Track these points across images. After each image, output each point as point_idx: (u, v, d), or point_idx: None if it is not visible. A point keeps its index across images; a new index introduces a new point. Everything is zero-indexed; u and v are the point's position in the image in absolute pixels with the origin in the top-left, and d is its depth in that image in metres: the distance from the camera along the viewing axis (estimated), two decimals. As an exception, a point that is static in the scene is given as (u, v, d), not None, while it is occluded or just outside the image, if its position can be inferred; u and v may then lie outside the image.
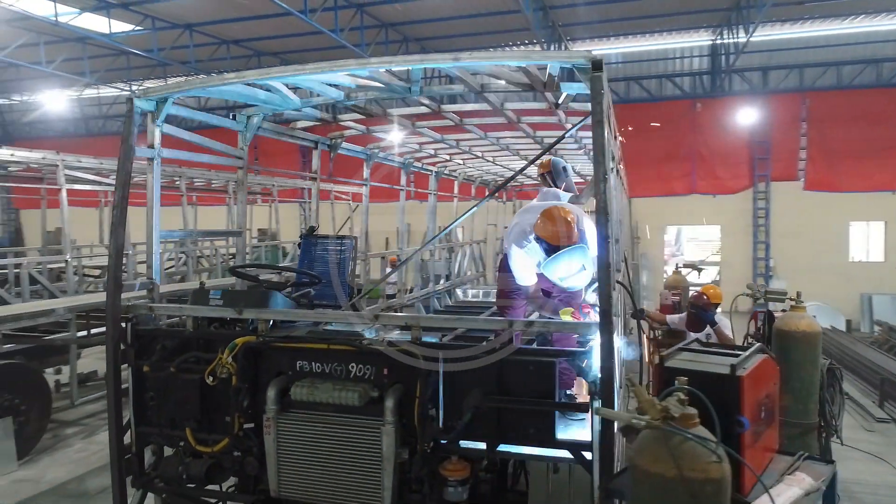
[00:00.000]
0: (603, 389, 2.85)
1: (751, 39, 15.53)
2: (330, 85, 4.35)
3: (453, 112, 5.73)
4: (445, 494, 3.15)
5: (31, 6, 12.74)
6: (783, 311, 4.95)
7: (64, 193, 9.92)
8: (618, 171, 5.59)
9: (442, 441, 3.27)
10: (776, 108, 19.14)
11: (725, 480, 1.97)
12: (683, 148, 20.09)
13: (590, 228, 4.34)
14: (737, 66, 19.10)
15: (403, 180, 8.86)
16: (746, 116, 19.05)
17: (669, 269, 12.05)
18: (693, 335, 6.74)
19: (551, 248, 4.09)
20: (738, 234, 19.93)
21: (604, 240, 2.98)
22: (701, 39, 19.61)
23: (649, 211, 20.48)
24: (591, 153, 5.83)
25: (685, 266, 10.11)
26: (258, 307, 3.73)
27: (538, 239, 4.20)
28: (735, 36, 17.12)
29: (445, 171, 10.51)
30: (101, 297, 8.71)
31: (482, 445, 3.19)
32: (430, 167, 9.80)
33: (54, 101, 22.72)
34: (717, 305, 6.78)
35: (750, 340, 5.92)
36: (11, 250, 14.35)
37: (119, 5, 14.01)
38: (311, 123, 5.73)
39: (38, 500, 6.54)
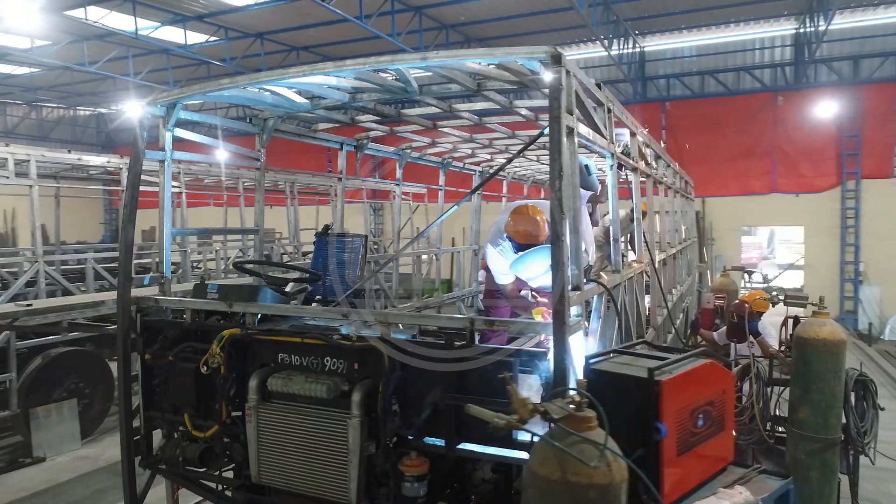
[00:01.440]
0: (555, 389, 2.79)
1: (839, 26, 14.44)
2: (331, 87, 4.49)
3: (470, 111, 5.73)
4: (402, 489, 3.18)
5: (115, 22, 13.83)
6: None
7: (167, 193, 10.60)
8: (637, 169, 5.40)
9: (409, 437, 3.30)
10: (868, 99, 17.67)
11: (613, 487, 1.89)
12: (763, 144, 18.96)
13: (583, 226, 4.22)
14: (823, 56, 17.83)
15: (442, 180, 8.93)
16: (834, 109, 17.72)
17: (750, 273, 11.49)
18: (736, 345, 6.38)
19: (521, 247, 4.02)
20: (824, 235, 18.55)
21: (557, 238, 2.91)
22: (783, 28, 18.44)
23: (725, 211, 19.50)
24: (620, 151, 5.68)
25: (734, 269, 9.54)
26: (247, 302, 3.91)
27: (509, 237, 4.14)
28: (821, 23, 15.98)
29: (490, 171, 10.48)
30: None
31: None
32: (473, 167, 9.80)
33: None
34: (761, 314, 6.38)
35: (783, 349, 5.55)
36: (106, 246, 15.59)
37: (194, 18, 14.94)
38: (332, 125, 5.89)
39: (94, 476, 7.11)
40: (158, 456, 4.20)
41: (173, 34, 15.39)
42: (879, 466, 4.76)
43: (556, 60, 3.00)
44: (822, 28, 14.88)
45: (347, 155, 6.61)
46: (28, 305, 6.13)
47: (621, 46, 17.17)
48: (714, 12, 16.73)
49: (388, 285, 9.26)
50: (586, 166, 6.06)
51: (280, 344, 3.71)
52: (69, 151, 8.83)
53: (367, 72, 3.82)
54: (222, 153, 5.01)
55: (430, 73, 3.90)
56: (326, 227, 5.53)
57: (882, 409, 4.68)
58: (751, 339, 6.44)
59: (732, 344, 6.46)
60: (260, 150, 5.25)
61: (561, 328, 2.87)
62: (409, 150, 7.61)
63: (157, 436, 4.32)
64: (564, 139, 2.98)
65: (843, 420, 4.47)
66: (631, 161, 5.43)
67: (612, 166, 4.34)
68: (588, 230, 6.10)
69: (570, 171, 3.27)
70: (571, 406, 1.97)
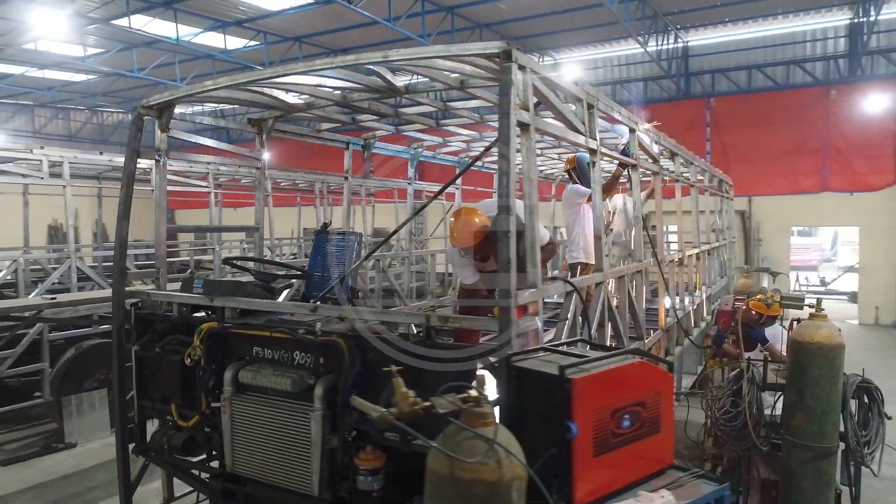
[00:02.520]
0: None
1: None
2: (319, 87, 4.58)
3: (468, 109, 5.73)
4: (357, 483, 3.22)
5: (159, 29, 14.44)
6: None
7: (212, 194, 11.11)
8: (636, 166, 5.27)
9: (368, 431, 3.34)
10: (929, 91, 16.67)
11: (502, 485, 1.87)
12: (814, 140, 18.13)
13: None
14: (880, 47, 16.92)
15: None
16: (890, 102, 16.77)
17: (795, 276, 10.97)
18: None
19: (464, 251, 4.02)
20: (881, 236, 17.57)
21: (504, 237, 2.89)
22: (836, 19, 17.58)
23: (773, 210, 18.74)
24: (619, 149, 5.57)
25: (758, 270, 9.14)
26: (227, 296, 4.03)
27: None
28: (879, 12, 15.14)
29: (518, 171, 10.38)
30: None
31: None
32: (493, 165, 9.76)
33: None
34: (773, 318, 6.12)
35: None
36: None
37: (234, 23, 15.43)
38: (335, 125, 5.99)
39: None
40: (150, 444, 4.38)
41: (214, 39, 15.93)
42: (888, 477, 4.49)
43: (507, 56, 2.98)
44: (879, 17, 14.09)
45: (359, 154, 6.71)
46: (52, 298, 6.49)
47: (660, 42, 16.73)
48: (759, 4, 16.13)
49: (399, 284, 9.32)
50: (590, 164, 5.96)
51: (255, 338, 3.81)
52: (101, 153, 9.28)
53: (341, 70, 3.88)
54: (225, 154, 5.19)
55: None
56: (325, 225, 5.63)
57: (889, 417, 4.42)
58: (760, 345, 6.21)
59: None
60: (260, 149, 5.39)
61: (506, 325, 2.86)
62: (420, 149, 7.65)
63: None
64: (514, 135, 2.96)
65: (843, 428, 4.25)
66: (630, 159, 5.32)
67: (593, 162, 4.26)
68: (589, 227, 6.00)
69: (527, 166, 3.25)
70: (469, 402, 1.96)
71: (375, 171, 6.87)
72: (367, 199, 18.13)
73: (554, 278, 3.81)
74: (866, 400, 4.37)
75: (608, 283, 4.33)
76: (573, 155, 5.85)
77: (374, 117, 5.68)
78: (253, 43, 16.40)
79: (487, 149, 3.94)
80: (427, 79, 4.32)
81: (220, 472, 3.96)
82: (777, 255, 18.76)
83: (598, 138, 4.24)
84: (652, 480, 2.44)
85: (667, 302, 7.57)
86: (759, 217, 18.97)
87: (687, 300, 7.67)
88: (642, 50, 18.42)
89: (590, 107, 4.19)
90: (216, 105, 23.26)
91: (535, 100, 3.50)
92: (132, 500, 4.54)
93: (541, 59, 20.69)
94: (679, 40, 18.56)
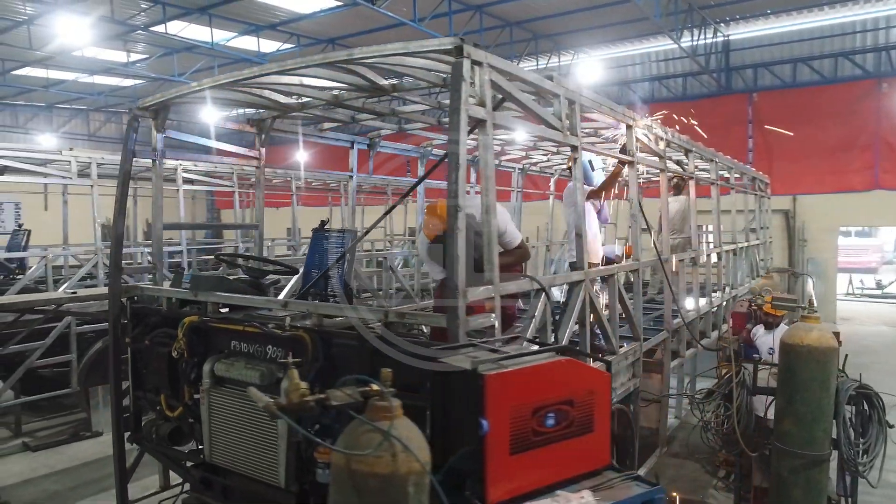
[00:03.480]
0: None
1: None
2: (306, 87, 4.66)
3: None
4: (316, 476, 3.26)
5: (195, 34, 14.92)
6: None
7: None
8: (632, 163, 5.15)
9: (335, 426, 3.38)
10: None
11: (396, 477, 1.87)
12: (864, 136, 17.27)
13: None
14: (938, 36, 16.01)
15: (473, 178, 8.90)
16: (949, 95, 15.85)
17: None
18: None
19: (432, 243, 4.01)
20: (936, 236, 16.62)
21: (451, 232, 2.88)
22: (888, 8, 16.70)
23: (820, 210, 17.95)
24: (620, 146, 5.46)
25: (778, 270, 8.76)
26: (211, 291, 4.15)
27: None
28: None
29: (535, 168, 10.34)
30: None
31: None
32: (512, 164, 9.72)
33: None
34: (775, 318, 5.88)
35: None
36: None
37: (267, 27, 15.80)
38: (336, 124, 6.08)
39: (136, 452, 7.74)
40: (144, 433, 4.55)
41: (249, 43, 16.34)
42: (888, 487, 4.25)
43: (459, 51, 2.97)
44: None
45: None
46: (73, 293, 6.80)
47: (697, 37, 16.26)
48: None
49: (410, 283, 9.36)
50: (589, 161, 5.87)
51: (233, 332, 3.91)
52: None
53: (319, 69, 3.94)
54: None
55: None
56: (323, 223, 5.71)
57: (892, 426, 4.18)
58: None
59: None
60: (260, 148, 5.52)
61: (455, 322, 2.85)
62: (430, 148, 7.67)
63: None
64: (464, 130, 2.94)
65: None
66: (626, 156, 5.22)
67: (574, 159, 4.19)
68: (593, 224, 5.90)
69: (484, 162, 3.23)
70: (371, 395, 1.96)
71: (375, 170, 6.90)
72: (394, 199, 18.26)
73: (529, 276, 3.76)
74: (865, 407, 4.14)
75: (593, 282, 4.24)
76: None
77: (371, 116, 5.72)
78: (286, 46, 16.74)
79: (442, 159, 3.94)
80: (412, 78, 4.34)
81: (201, 461, 4.08)
82: (824, 257, 17.97)
83: (579, 134, 4.16)
84: (584, 481, 2.39)
85: (689, 303, 7.38)
86: (805, 216, 18.20)
87: (703, 301, 7.45)
88: (678, 45, 17.99)
89: (571, 102, 4.13)
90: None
91: (500, 96, 3.49)
92: (128, 487, 4.73)
93: (574, 57, 20.46)
94: (718, 34, 17.99)
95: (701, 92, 19.94)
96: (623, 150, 5.23)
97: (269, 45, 16.64)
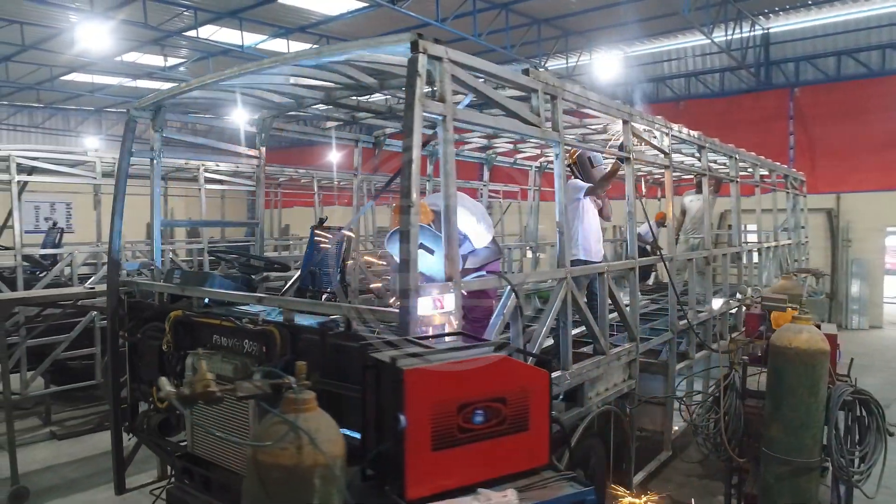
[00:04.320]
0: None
1: None
2: (301, 86, 4.73)
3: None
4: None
5: (226, 37, 15.30)
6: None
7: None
8: (629, 159, 5.04)
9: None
10: None
11: (301, 469, 1.87)
12: (916, 131, 16.45)
13: (466, 223, 3.98)
14: None
15: (486, 175, 8.86)
16: None
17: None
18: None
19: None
20: None
21: (406, 231, 2.87)
22: (942, -6, 15.86)
23: (866, 208, 17.16)
24: (618, 143, 5.35)
25: (800, 271, 8.38)
26: (196, 286, 4.25)
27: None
28: None
29: (550, 167, 10.20)
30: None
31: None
32: (529, 162, 9.62)
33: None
34: None
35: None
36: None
37: (297, 29, 16.07)
38: (336, 123, 6.14)
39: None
40: (138, 423, 4.70)
41: (280, 45, 16.66)
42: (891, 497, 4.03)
43: (414, 47, 2.97)
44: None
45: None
46: (91, 289, 7.07)
47: (731, 31, 15.76)
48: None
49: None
50: (589, 159, 5.78)
51: (214, 326, 3.99)
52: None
53: (296, 67, 4.00)
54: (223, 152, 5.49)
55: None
56: (321, 221, 5.78)
57: (891, 434, 3.96)
58: None
59: None
60: (259, 147, 5.62)
61: (405, 318, 2.85)
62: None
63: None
64: (419, 127, 2.94)
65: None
66: (623, 152, 5.11)
67: (557, 154, 4.13)
68: (593, 222, 5.80)
69: (444, 159, 3.21)
70: (289, 388, 1.98)
71: (381, 168, 6.95)
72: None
73: (501, 274, 3.71)
74: (863, 413, 3.93)
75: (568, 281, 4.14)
76: (575, 150, 5.67)
77: (371, 115, 5.76)
78: (317, 47, 16.99)
79: (393, 177, 3.95)
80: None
81: (185, 452, 4.19)
82: (870, 258, 17.19)
83: (561, 130, 4.09)
84: (517, 480, 2.35)
85: (716, 304, 7.17)
86: (849, 216, 17.44)
87: (719, 302, 7.22)
88: (718, 39, 17.47)
89: (552, 97, 4.06)
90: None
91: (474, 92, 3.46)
92: (125, 475, 4.89)
93: (605, 55, 20.12)
94: (756, 27, 17.40)
95: (739, 87, 19.36)
96: (621, 147, 5.12)
97: (298, 48, 16.93)
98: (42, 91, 21.15)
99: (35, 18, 14.55)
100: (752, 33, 17.41)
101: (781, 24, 17.88)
